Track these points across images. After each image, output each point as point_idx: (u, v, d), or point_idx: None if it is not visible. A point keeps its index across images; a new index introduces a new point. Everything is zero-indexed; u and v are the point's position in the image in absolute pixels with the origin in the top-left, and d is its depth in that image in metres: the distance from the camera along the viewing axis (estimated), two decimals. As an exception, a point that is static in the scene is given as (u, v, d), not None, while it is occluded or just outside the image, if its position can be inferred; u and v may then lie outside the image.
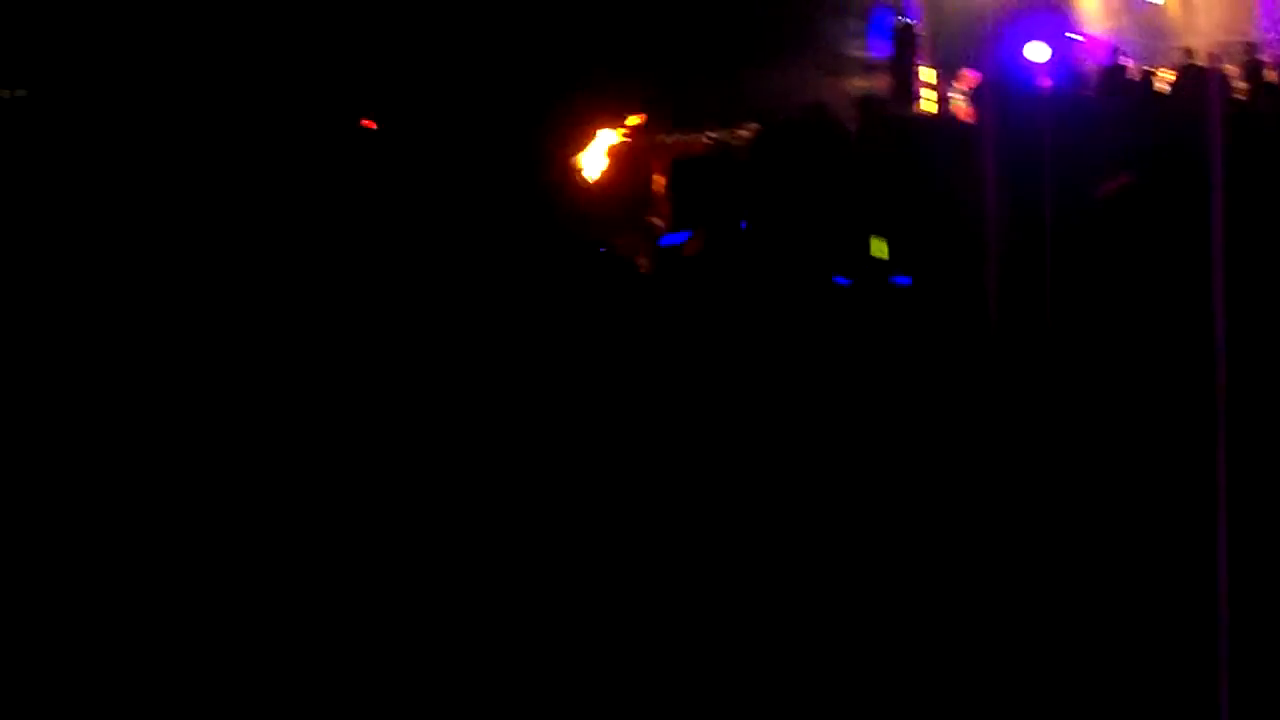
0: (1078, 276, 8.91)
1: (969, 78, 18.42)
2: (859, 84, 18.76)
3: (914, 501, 5.64)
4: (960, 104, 17.95)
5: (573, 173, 4.50)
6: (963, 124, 16.87)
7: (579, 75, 13.47)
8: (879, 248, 8.68)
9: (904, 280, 8.37)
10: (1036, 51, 18.35)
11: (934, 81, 18.92)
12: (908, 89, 17.72)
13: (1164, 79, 16.67)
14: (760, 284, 7.21)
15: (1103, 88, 16.56)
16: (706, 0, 16.36)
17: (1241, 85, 16.43)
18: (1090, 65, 18.53)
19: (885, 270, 8.44)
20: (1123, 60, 17.39)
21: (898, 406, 6.61)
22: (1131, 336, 7.82)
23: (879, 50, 18.75)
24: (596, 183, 4.45)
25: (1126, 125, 14.27)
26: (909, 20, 18.56)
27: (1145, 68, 17.30)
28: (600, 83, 13.07)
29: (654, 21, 15.60)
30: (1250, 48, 17.60)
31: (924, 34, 19.22)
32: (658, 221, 4.54)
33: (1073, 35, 20.54)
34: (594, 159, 4.48)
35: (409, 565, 5.32)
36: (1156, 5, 19.89)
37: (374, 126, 8.81)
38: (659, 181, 4.63)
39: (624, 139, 5.02)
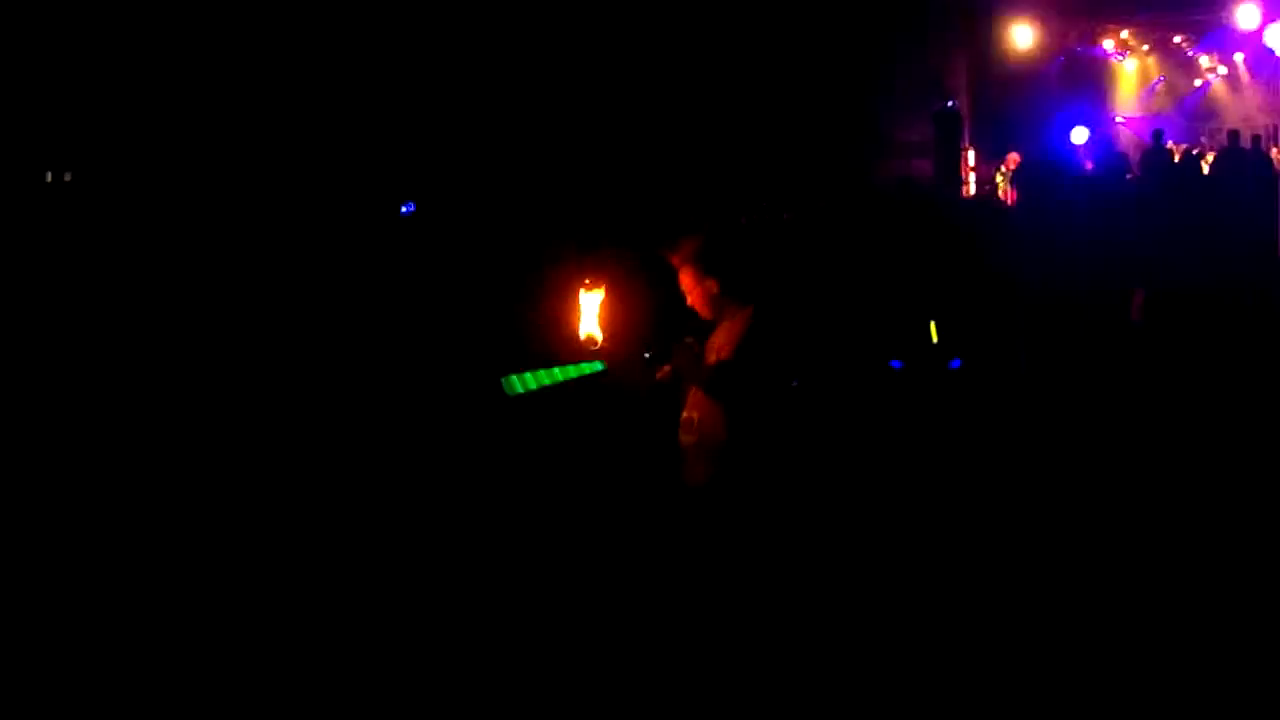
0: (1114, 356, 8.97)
1: (1012, 160, 18.51)
2: (904, 166, 18.85)
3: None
4: (1003, 186, 18.03)
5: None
6: (1004, 205, 16.96)
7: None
8: (933, 331, 8.73)
9: (956, 363, 8.43)
10: (1078, 134, 18.44)
11: (976, 164, 19.01)
12: (953, 171, 17.78)
13: (1208, 160, 16.69)
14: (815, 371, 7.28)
15: (1145, 169, 16.59)
16: (748, 84, 16.49)
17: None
18: (1134, 147, 18.58)
19: (938, 353, 8.48)
20: (1166, 143, 17.41)
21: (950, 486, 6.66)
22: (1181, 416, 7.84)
23: (925, 133, 18.86)
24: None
25: (1166, 205, 14.33)
26: (954, 104, 18.67)
27: (1189, 148, 17.31)
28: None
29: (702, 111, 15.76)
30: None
31: (969, 117, 19.33)
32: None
33: (1117, 118, 20.64)
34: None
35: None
36: (1200, 88, 19.96)
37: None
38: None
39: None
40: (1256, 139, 16.80)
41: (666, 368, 4.57)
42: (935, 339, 8.59)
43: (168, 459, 6.74)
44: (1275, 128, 19.06)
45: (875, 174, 17.43)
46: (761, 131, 16.09)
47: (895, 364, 8.57)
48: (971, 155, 19.11)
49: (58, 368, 7.89)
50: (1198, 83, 21.62)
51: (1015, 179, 17.68)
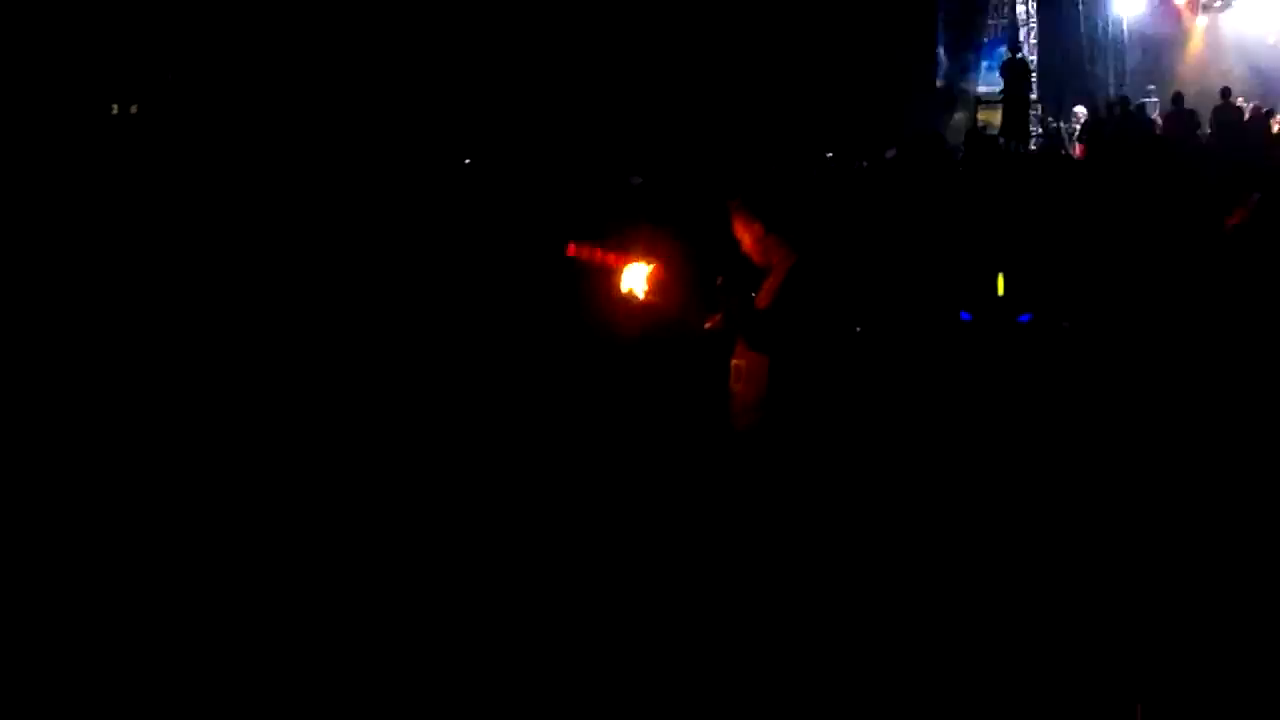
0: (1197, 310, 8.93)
1: (1080, 113, 18.41)
2: (973, 117, 18.80)
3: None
4: (1072, 139, 17.97)
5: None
6: (1074, 159, 16.88)
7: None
8: (1000, 284, 8.77)
9: (1025, 318, 8.50)
10: (1149, 91, 18.30)
11: (1046, 116, 18.94)
12: (1021, 123, 17.71)
13: (1277, 120, 16.53)
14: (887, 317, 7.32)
15: (1216, 127, 16.47)
16: (817, 36, 16.46)
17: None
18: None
19: (1007, 307, 8.55)
20: (1237, 101, 17.20)
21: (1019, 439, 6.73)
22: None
23: (994, 84, 18.79)
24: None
25: (1236, 163, 14.22)
26: (1023, 55, 18.58)
27: (1260, 106, 17.08)
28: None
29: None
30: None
31: (1037, 69, 19.22)
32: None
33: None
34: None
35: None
36: (1271, 47, 19.65)
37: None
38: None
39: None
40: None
41: (717, 315, 4.70)
42: (1001, 292, 8.66)
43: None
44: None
45: (944, 125, 17.45)
46: (830, 82, 16.11)
47: (965, 316, 8.66)
48: (1040, 108, 19.03)
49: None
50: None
51: (1084, 134, 17.61)
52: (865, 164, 13.86)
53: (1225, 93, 17.14)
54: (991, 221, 9.96)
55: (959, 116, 19.06)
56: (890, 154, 14.01)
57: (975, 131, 16.75)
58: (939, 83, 19.29)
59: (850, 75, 16.40)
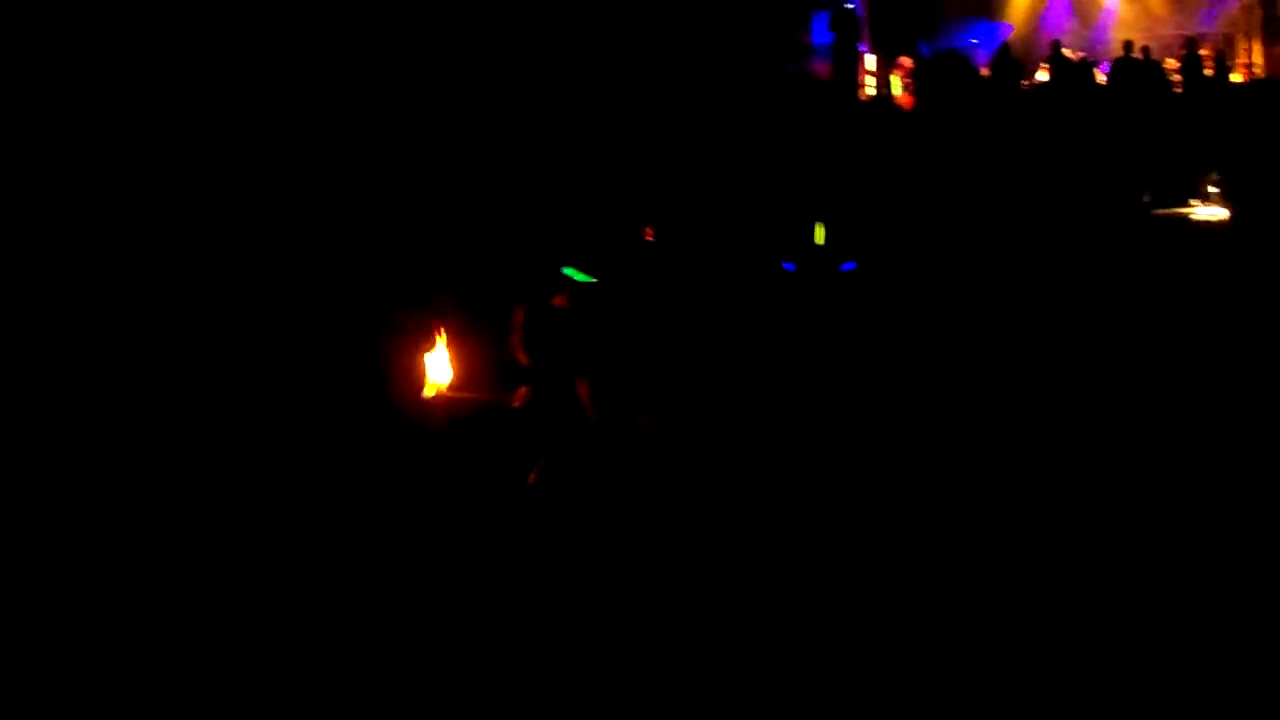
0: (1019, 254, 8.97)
1: (905, 63, 18.42)
2: (799, 69, 18.69)
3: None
4: (900, 89, 17.96)
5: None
6: (901, 109, 16.90)
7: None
8: (819, 234, 8.67)
9: (849, 266, 8.39)
10: (974, 40, 18.41)
11: (874, 67, 18.90)
12: (850, 75, 17.65)
13: (1101, 71, 16.76)
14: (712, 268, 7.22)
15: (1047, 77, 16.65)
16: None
17: (1177, 78, 16.54)
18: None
19: (830, 256, 8.44)
20: (1064, 51, 17.46)
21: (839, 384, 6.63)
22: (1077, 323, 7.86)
23: (822, 36, 18.69)
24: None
25: (1064, 112, 14.37)
26: (851, 5, 18.51)
27: (1084, 57, 17.39)
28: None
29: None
30: (1189, 42, 17.71)
31: (866, 19, 19.19)
32: None
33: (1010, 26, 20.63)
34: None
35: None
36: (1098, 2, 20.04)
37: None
38: None
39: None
40: (1147, 50, 16.89)
41: (522, 391, 4.69)
42: (821, 241, 8.56)
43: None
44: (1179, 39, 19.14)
45: (775, 75, 17.29)
46: (654, 29, 15.84)
47: (788, 266, 8.53)
48: (871, 59, 19.00)
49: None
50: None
51: (912, 83, 17.62)
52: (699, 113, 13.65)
53: (1055, 45, 17.44)
54: (816, 171, 9.86)
55: (793, 68, 18.94)
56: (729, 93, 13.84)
57: (804, 81, 16.64)
58: (774, 31, 19.16)
59: (682, 21, 16.14)
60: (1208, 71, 16.82)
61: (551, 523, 4.87)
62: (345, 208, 9.25)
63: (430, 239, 9.10)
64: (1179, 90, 16.16)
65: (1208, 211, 12.27)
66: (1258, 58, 20.28)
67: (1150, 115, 14.02)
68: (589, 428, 4.68)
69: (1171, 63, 17.22)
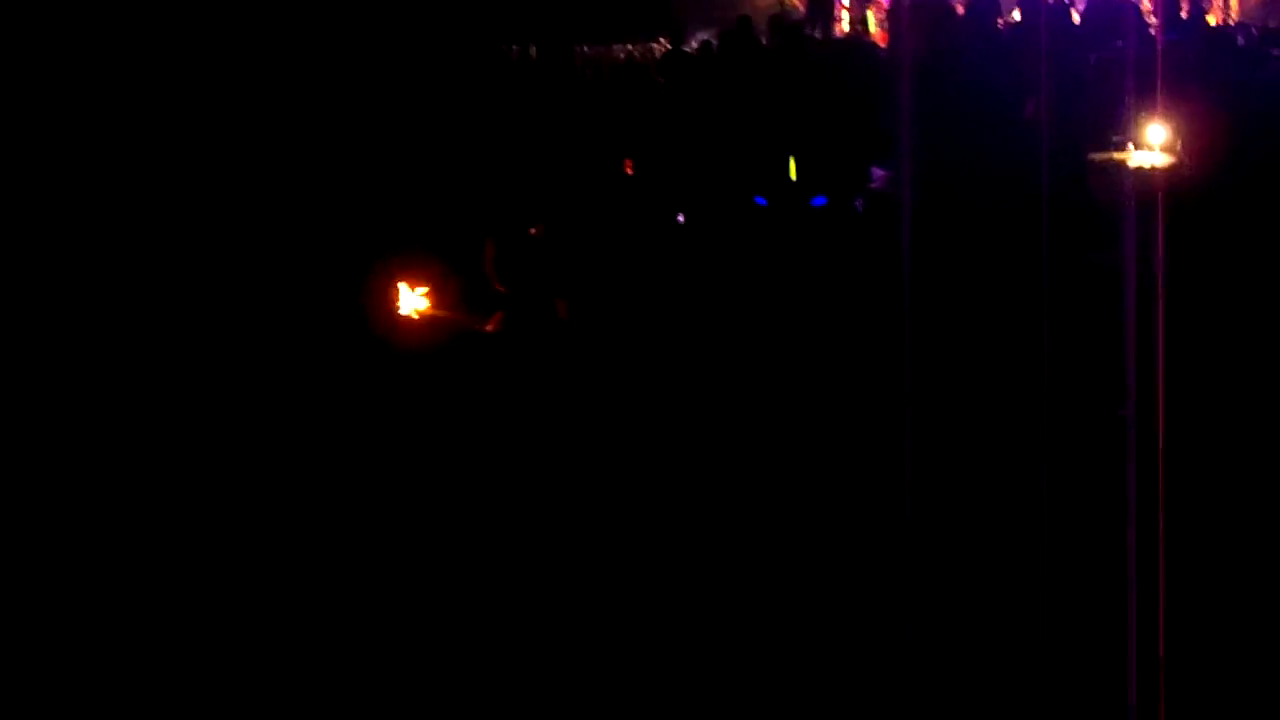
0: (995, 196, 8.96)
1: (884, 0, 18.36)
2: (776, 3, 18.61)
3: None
4: (875, 26, 17.92)
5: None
6: (877, 47, 16.86)
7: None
8: (792, 168, 8.70)
9: (820, 201, 8.43)
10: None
11: (849, 2, 18.85)
12: (826, 9, 17.60)
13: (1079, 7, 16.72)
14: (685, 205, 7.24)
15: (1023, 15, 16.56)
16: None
17: (1154, 20, 16.51)
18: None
19: (801, 191, 8.47)
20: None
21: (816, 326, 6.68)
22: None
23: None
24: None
25: (1039, 51, 14.31)
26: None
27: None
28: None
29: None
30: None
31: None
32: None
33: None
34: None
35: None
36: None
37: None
38: None
39: None
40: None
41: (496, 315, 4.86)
42: (794, 176, 8.60)
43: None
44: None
45: (744, 9, 17.20)
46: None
47: (760, 201, 8.56)
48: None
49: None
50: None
51: (888, 20, 17.56)
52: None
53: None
54: (789, 106, 9.85)
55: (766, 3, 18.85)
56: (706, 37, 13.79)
57: (779, 19, 16.55)
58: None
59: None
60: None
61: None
62: (326, 142, 9.23)
63: (410, 173, 9.10)
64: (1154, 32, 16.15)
65: (1144, 157, 12.20)
66: (1234, 1, 20.29)
67: (1122, 57, 14.01)
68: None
69: (1147, 4, 17.20)
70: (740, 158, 8.91)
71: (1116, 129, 11.15)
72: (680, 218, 9.02)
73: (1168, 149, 11.21)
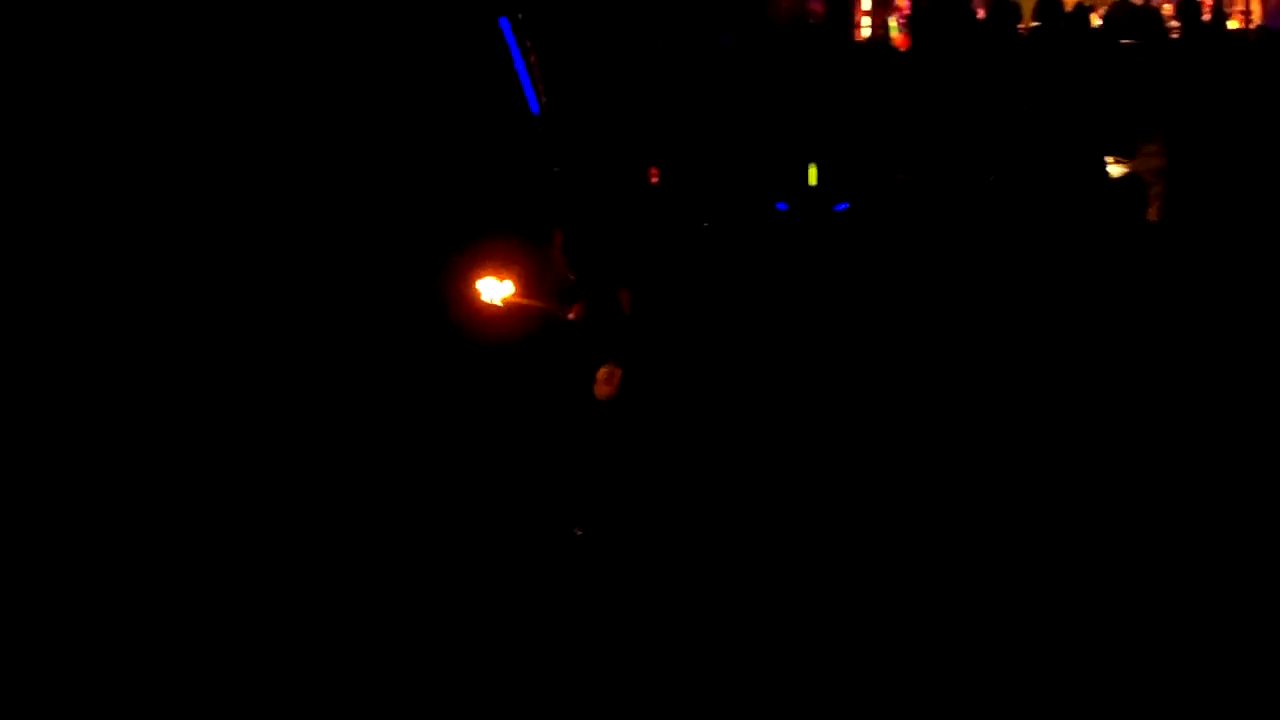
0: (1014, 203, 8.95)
1: (904, 5, 18.37)
2: (796, 9, 18.61)
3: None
4: (896, 31, 17.95)
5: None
6: (897, 51, 16.88)
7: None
8: (812, 174, 8.73)
9: (842, 207, 8.45)
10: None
11: (870, 7, 18.86)
12: (845, 14, 17.64)
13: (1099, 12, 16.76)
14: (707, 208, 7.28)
15: (1038, 19, 16.59)
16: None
17: (1175, 24, 16.52)
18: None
19: (822, 197, 8.49)
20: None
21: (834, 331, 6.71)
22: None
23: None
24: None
25: (1056, 56, 14.34)
26: (847, -54, 18.47)
27: (1081, 1, 17.33)
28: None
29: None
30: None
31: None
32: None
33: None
34: None
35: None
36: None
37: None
38: None
39: None
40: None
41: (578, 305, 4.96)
42: (814, 182, 8.62)
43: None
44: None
45: (768, 15, 17.21)
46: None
47: (781, 206, 8.60)
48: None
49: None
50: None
51: (909, 24, 17.59)
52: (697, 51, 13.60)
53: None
54: (809, 112, 9.87)
55: (788, 6, 18.86)
56: (726, 41, 13.79)
57: (799, 21, 16.59)
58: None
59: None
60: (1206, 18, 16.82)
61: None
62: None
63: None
64: (1175, 36, 16.17)
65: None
66: (1255, 4, 20.25)
67: (1135, 63, 14.03)
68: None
69: (1168, 9, 17.22)
70: (761, 163, 8.95)
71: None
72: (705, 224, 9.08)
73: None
